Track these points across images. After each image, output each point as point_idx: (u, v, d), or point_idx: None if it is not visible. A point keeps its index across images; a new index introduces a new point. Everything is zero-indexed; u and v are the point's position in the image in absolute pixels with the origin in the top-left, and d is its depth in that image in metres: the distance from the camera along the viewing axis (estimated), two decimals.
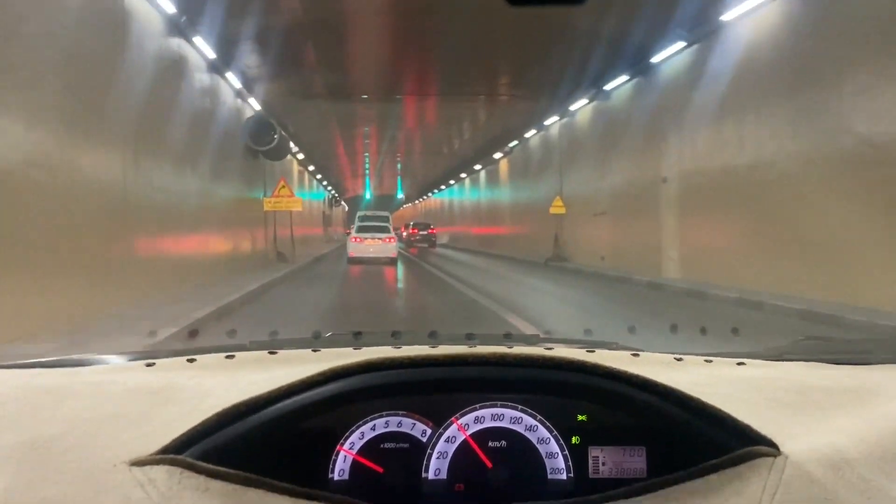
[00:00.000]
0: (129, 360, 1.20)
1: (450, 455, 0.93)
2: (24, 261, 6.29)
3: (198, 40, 12.56)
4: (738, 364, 1.19)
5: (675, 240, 13.63)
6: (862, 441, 0.87)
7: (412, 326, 7.52)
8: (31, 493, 0.76)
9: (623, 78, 15.81)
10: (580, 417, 0.94)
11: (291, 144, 25.95)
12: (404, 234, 37.84)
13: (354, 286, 15.24)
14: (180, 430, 0.83)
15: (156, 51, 10.60)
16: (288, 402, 0.88)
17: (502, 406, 0.94)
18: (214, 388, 0.96)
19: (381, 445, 0.93)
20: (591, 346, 1.29)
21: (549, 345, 1.26)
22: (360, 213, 23.97)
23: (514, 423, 0.94)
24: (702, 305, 10.42)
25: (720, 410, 0.89)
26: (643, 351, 1.25)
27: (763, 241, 10.46)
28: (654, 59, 14.09)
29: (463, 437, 0.93)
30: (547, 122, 22.00)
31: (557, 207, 20.39)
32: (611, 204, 17.02)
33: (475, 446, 0.93)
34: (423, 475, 0.93)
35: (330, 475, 0.91)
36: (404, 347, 1.14)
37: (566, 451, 0.93)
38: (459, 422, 0.94)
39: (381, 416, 0.93)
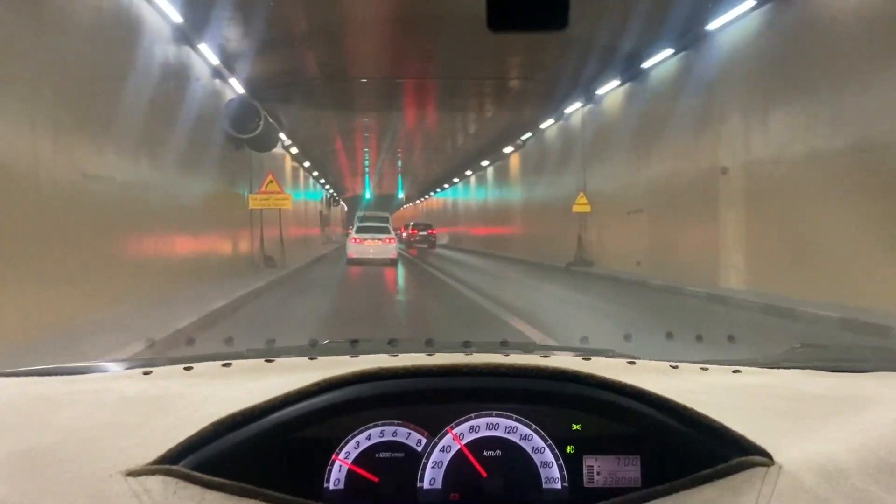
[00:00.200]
0: (127, 368, 1.22)
1: (445, 464, 0.93)
2: None
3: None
4: (734, 372, 1.21)
5: (738, 242, 11.29)
6: (856, 450, 0.86)
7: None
8: (27, 502, 0.76)
9: (666, 52, 13.48)
10: (575, 427, 0.94)
11: (283, 136, 23.63)
12: (404, 234, 37.42)
13: (350, 296, 12.91)
14: (176, 439, 0.83)
15: (93, 3, 8.31)
16: (283, 412, 0.88)
17: (497, 415, 0.94)
18: (211, 397, 0.96)
19: (377, 455, 0.92)
20: (588, 353, 1.30)
21: (546, 353, 1.30)
22: (359, 214, 23.85)
23: (509, 432, 0.94)
24: (810, 330, 7.98)
25: (714, 420, 0.89)
26: (639, 359, 1.26)
27: (877, 239, 8.09)
28: (710, 27, 11.76)
29: (458, 447, 0.93)
30: (568, 110, 19.68)
31: (581, 205, 18.07)
32: (649, 200, 14.70)
33: (470, 456, 0.93)
34: (419, 484, 0.92)
35: (325, 485, 0.91)
36: (401, 356, 1.15)
37: (561, 461, 0.93)
38: (454, 431, 0.93)
39: (377, 426, 0.93)
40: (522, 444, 0.94)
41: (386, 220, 22.68)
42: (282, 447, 0.89)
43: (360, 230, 21.19)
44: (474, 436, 0.94)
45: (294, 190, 28.65)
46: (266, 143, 16.71)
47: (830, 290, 8.66)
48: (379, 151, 37.08)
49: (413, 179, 55.42)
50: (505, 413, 0.94)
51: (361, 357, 1.18)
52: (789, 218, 9.81)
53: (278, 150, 23.98)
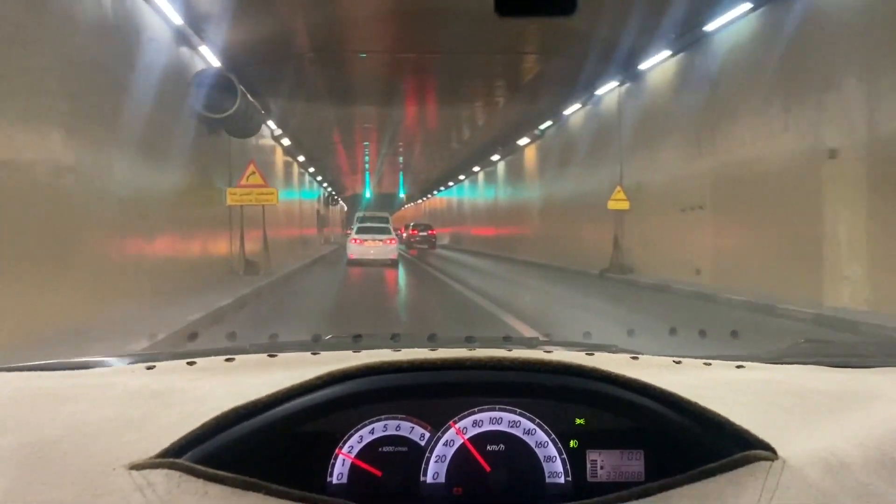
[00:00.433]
0: (130, 363, 1.21)
1: (448, 459, 0.93)
2: None
3: None
4: (737, 367, 1.20)
5: (856, 247, 8.59)
6: (860, 445, 0.87)
7: None
8: (31, 496, 0.76)
9: (742, 7, 10.77)
10: (578, 421, 0.94)
11: (271, 125, 20.94)
12: (404, 234, 37.35)
13: (342, 317, 10.17)
14: (180, 433, 0.83)
15: None
16: (287, 405, 0.88)
17: (501, 410, 0.94)
18: (214, 392, 0.96)
19: (380, 449, 0.92)
20: (591, 349, 1.31)
21: (549, 348, 1.32)
22: (358, 214, 23.83)
23: (512, 426, 0.94)
24: None
25: (718, 414, 0.89)
26: (642, 354, 1.25)
27: None
28: None
29: (461, 441, 0.93)
30: (600, 91, 16.97)
31: (618, 201, 15.37)
32: (713, 194, 12.00)
33: (473, 450, 0.93)
34: (422, 479, 0.92)
35: (328, 479, 0.91)
36: (403, 350, 1.16)
37: (564, 455, 0.93)
38: (458, 425, 0.93)
39: (380, 420, 0.93)
40: (526, 438, 0.94)
41: (386, 220, 22.32)
42: (285, 441, 0.89)
43: (360, 230, 20.84)
44: (478, 430, 0.93)
45: (286, 187, 25.95)
46: (246, 126, 14.03)
47: None
48: (380, 145, 34.33)
49: (415, 177, 52.69)
50: (508, 407, 0.94)
51: (364, 352, 1.18)
52: None
53: (267, 140, 21.27)
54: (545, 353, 1.10)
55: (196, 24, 11.99)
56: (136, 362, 1.20)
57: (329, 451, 0.91)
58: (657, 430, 0.91)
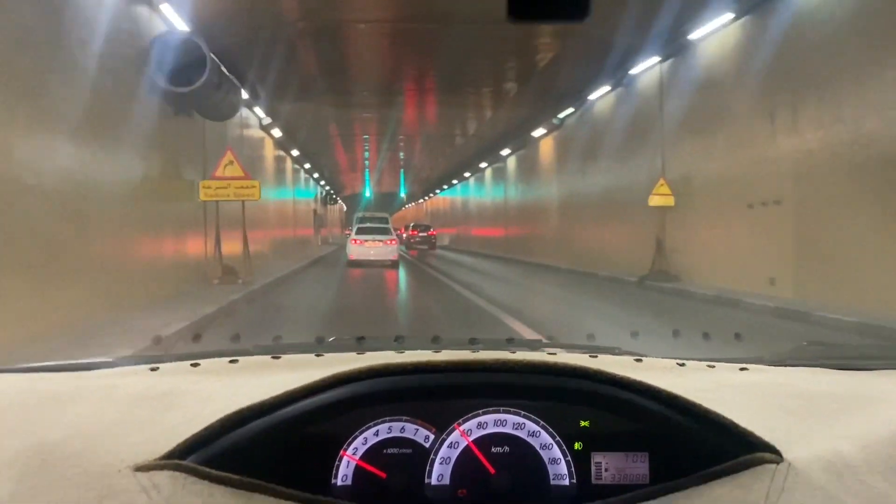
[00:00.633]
0: (134, 365, 1.22)
1: (453, 461, 0.93)
2: None
3: None
4: (741, 369, 1.21)
5: None
6: (865, 447, 0.86)
7: None
8: (36, 498, 0.76)
9: None
10: (583, 423, 0.93)
11: (260, 112, 18.65)
12: (404, 235, 37.22)
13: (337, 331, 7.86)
14: (184, 434, 0.83)
15: None
16: (291, 407, 0.88)
17: (505, 412, 0.94)
18: (218, 393, 0.97)
19: (384, 451, 0.92)
20: (594, 351, 1.30)
21: (553, 350, 1.30)
22: (358, 215, 23.84)
23: (516, 428, 0.94)
24: None
25: (722, 416, 0.89)
26: (646, 356, 1.25)
27: None
28: None
29: (466, 443, 0.93)
30: (636, 70, 14.68)
31: (661, 196, 13.10)
32: (794, 187, 9.71)
33: (478, 452, 0.93)
34: (426, 481, 0.92)
35: (333, 480, 0.91)
36: (407, 353, 1.16)
37: (569, 457, 0.93)
38: (462, 427, 0.93)
39: (385, 422, 0.93)
40: (530, 440, 0.94)
41: (386, 220, 22.22)
42: (290, 443, 0.89)
43: (360, 231, 20.64)
44: (482, 432, 0.93)
45: (279, 183, 23.66)
46: (221, 106, 11.75)
47: None
48: (380, 140, 32.02)
49: (417, 175, 50.42)
50: (513, 409, 0.94)
51: (368, 354, 1.19)
52: None
53: (254, 131, 18.98)
54: (549, 356, 1.13)
55: None
56: (140, 364, 1.21)
57: (334, 452, 0.91)
58: (662, 433, 0.91)
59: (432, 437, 0.93)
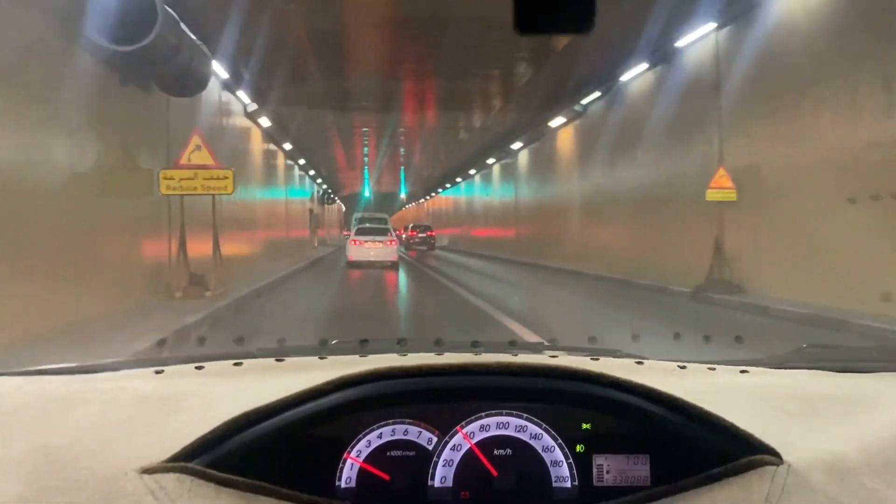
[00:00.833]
0: (139, 368, 1.23)
1: (455, 463, 0.93)
2: None
3: None
4: (741, 372, 1.20)
5: None
6: (864, 449, 0.87)
7: None
8: (43, 500, 0.76)
9: None
10: (585, 426, 0.94)
11: (244, 97, 16.39)
12: (403, 236, 36.83)
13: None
14: (190, 437, 0.83)
15: None
16: (296, 410, 0.89)
17: (507, 414, 0.95)
18: (223, 396, 0.97)
19: (388, 453, 0.93)
20: (596, 354, 1.29)
21: (554, 353, 1.30)
22: (356, 215, 23.94)
23: (519, 431, 0.94)
24: None
25: (723, 419, 0.89)
26: (647, 359, 1.25)
27: None
28: None
29: (468, 446, 0.94)
30: (681, 42, 12.43)
31: (721, 190, 10.87)
32: None
33: (480, 454, 0.93)
34: (429, 483, 0.93)
35: (337, 483, 0.91)
36: (410, 355, 1.16)
37: (571, 460, 0.93)
38: (465, 430, 0.94)
39: (388, 425, 0.93)
40: (532, 442, 0.94)
41: (385, 221, 22.17)
42: (294, 445, 0.89)
43: (359, 232, 20.43)
44: (485, 435, 0.94)
45: (269, 180, 21.39)
46: (184, 77, 9.47)
47: None
48: (380, 134, 29.71)
49: (419, 174, 48.17)
50: (515, 412, 0.95)
51: (371, 356, 1.19)
52: None
53: (239, 119, 16.71)
54: (551, 358, 1.13)
55: None
56: (145, 366, 1.21)
57: (338, 455, 0.92)
58: (663, 435, 0.91)
59: (435, 439, 0.93)
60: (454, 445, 0.93)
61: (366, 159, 38.06)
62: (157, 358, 1.40)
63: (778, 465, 0.85)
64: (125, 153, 9.26)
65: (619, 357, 1.31)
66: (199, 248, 10.30)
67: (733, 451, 0.87)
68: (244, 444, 0.85)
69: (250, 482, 0.81)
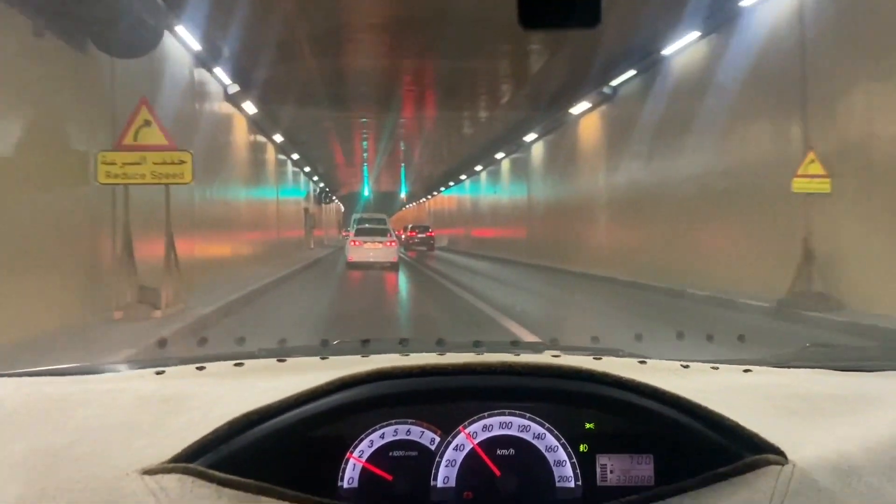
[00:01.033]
0: (140, 369, 1.21)
1: (458, 463, 0.93)
2: None
3: None
4: (745, 371, 1.19)
5: None
6: (869, 449, 0.87)
7: None
8: (43, 502, 0.76)
9: None
10: (588, 425, 0.94)
11: (223, 76, 14.17)
12: (402, 236, 36.16)
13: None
14: (191, 438, 0.83)
15: None
16: (298, 410, 0.88)
17: (510, 414, 0.94)
18: (224, 397, 0.96)
19: (390, 453, 0.93)
20: (598, 353, 1.29)
21: (556, 352, 1.28)
22: (355, 216, 24.04)
23: (522, 431, 0.94)
24: None
25: (727, 418, 0.89)
26: (650, 358, 1.24)
27: None
28: None
29: (471, 446, 0.93)
30: (746, 1, 10.17)
31: (811, 180, 8.65)
32: None
33: (483, 455, 0.93)
34: (432, 483, 0.92)
35: (339, 483, 0.91)
36: (412, 355, 1.15)
37: (574, 459, 0.93)
38: (467, 430, 0.94)
39: (390, 425, 0.93)
40: (536, 442, 0.94)
41: (384, 221, 21.95)
42: (296, 446, 0.89)
43: (358, 232, 20.25)
44: (487, 434, 0.94)
45: (256, 175, 19.15)
46: (127, 30, 7.20)
47: None
48: (380, 128, 27.43)
49: (420, 172, 45.89)
50: (518, 412, 0.94)
51: (373, 357, 1.18)
52: None
53: (218, 102, 14.47)
54: (553, 358, 1.12)
55: None
56: (146, 367, 1.20)
57: (340, 455, 0.92)
58: (666, 435, 0.91)
59: (438, 439, 0.93)
60: (457, 445, 0.93)
61: (364, 154, 35.75)
62: (159, 358, 1.39)
63: (783, 464, 0.84)
64: (52, 131, 7.06)
65: (621, 356, 1.29)
66: (158, 253, 8.08)
67: (738, 450, 0.86)
68: (246, 445, 0.84)
69: (252, 483, 0.80)
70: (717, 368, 1.20)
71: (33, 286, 6.33)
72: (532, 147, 23.88)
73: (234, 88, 14.80)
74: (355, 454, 0.91)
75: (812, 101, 9.01)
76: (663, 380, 0.96)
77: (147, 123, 7.66)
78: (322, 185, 41.49)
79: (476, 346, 1.32)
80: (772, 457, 0.84)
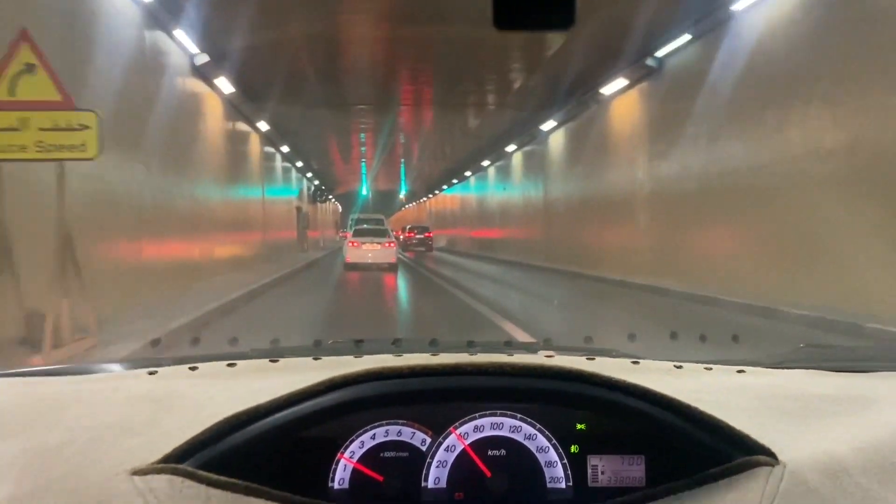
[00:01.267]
0: (132, 369, 1.21)
1: (449, 464, 0.93)
2: None
3: None
4: (738, 371, 1.19)
5: None
6: (860, 450, 0.87)
7: None
8: (33, 501, 0.76)
9: None
10: (579, 426, 0.94)
11: (186, 40, 11.57)
12: (401, 237, 36.06)
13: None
14: (182, 438, 0.83)
15: None
16: (289, 411, 0.88)
17: (502, 415, 0.94)
18: (216, 397, 0.96)
19: (381, 454, 0.92)
20: (592, 353, 1.28)
21: (549, 353, 1.28)
22: (353, 216, 25.16)
23: (513, 431, 0.94)
24: None
25: (718, 419, 0.89)
26: (643, 358, 1.23)
27: None
28: None
29: (462, 447, 0.93)
30: None
31: None
32: None
33: (474, 455, 0.93)
34: (423, 484, 0.92)
35: (330, 484, 0.91)
36: (405, 355, 1.15)
37: (565, 460, 0.93)
38: (458, 431, 0.94)
39: (381, 425, 0.93)
40: (527, 443, 0.94)
41: (382, 222, 22.01)
42: (287, 446, 0.88)
43: (357, 233, 19.97)
44: (479, 435, 0.94)
45: (236, 167, 16.56)
46: None
47: None
48: (380, 120, 24.81)
49: (421, 169, 43.28)
50: (509, 412, 0.94)
51: (366, 357, 1.17)
52: None
53: (182, 76, 11.86)
54: (546, 359, 1.12)
55: None
56: (139, 367, 1.19)
57: (331, 456, 0.91)
58: (658, 435, 0.91)
59: (429, 440, 0.93)
60: (448, 446, 0.93)
61: (363, 148, 33.06)
62: (151, 358, 1.37)
63: (774, 465, 0.84)
64: None
65: (615, 357, 1.29)
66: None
67: (729, 451, 0.86)
68: (236, 446, 0.84)
69: (242, 483, 0.80)
70: (711, 369, 1.19)
71: None
72: (550, 137, 21.23)
73: (202, 59, 12.17)
74: (346, 455, 0.91)
75: None
76: (656, 380, 0.96)
77: (30, 69, 5.07)
78: (317, 182, 38.85)
79: (470, 346, 1.32)
80: (762, 458, 0.85)
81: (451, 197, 45.82)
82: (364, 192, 56.46)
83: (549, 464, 0.92)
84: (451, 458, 0.92)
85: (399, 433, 0.92)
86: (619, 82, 14.65)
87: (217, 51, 12.53)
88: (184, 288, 10.17)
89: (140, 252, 9.10)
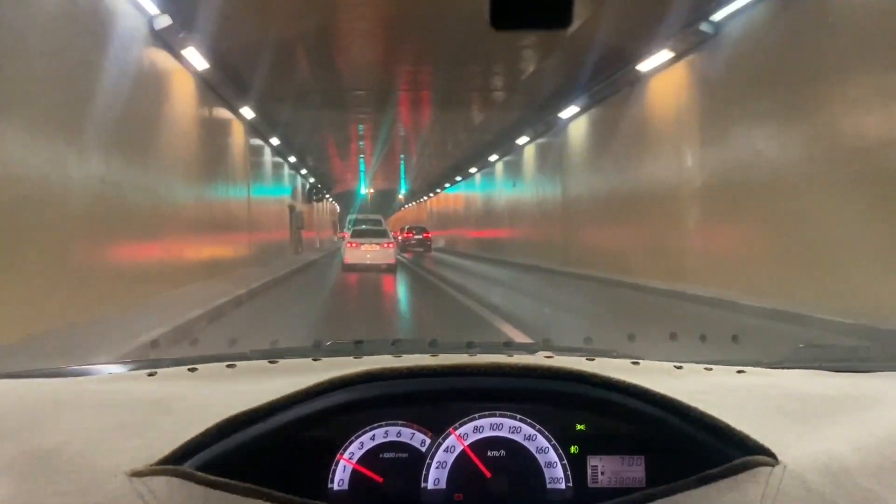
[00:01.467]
0: (131, 370, 1.21)
1: (449, 465, 0.92)
2: None
3: None
4: (738, 372, 1.19)
5: None
6: (860, 450, 0.86)
7: None
8: (33, 502, 0.75)
9: None
10: (579, 427, 0.93)
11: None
12: (399, 237, 36.07)
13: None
14: (181, 440, 0.82)
15: None
16: (288, 412, 0.87)
17: (501, 416, 0.93)
18: (215, 398, 0.95)
19: (381, 455, 0.92)
20: (592, 354, 1.28)
21: (549, 353, 1.27)
22: (352, 217, 26.31)
23: (513, 432, 0.93)
24: None
25: (718, 420, 0.88)
26: (643, 359, 1.23)
27: None
28: None
29: (462, 447, 0.92)
30: None
31: None
32: None
33: (474, 456, 0.92)
34: (423, 485, 0.92)
35: (329, 485, 0.90)
36: (404, 356, 1.14)
37: (565, 461, 0.92)
38: (458, 432, 0.93)
39: (381, 426, 0.92)
40: (526, 444, 0.93)
41: (380, 223, 22.19)
42: (286, 447, 0.87)
43: (355, 234, 19.59)
44: (478, 436, 0.93)
45: (214, 160, 14.35)
46: None
47: None
48: (379, 114, 22.62)
49: (422, 167, 41.14)
50: (509, 413, 0.93)
51: (365, 358, 1.17)
52: None
53: (135, 41, 9.63)
54: (545, 359, 1.10)
55: None
56: (138, 369, 1.19)
57: (330, 457, 0.90)
58: (658, 436, 0.90)
59: (428, 441, 0.92)
60: (447, 447, 0.92)
61: (361, 143, 30.91)
62: (151, 360, 1.36)
63: (773, 465, 0.83)
64: None
65: (614, 357, 1.28)
66: None
67: (729, 452, 0.85)
68: (235, 447, 0.82)
69: (241, 485, 0.79)
70: (711, 369, 1.18)
71: None
72: (570, 126, 19.01)
73: (163, 21, 9.94)
74: (346, 456, 0.90)
75: None
76: (656, 381, 0.95)
77: None
78: (313, 180, 36.67)
79: (469, 347, 1.31)
80: (762, 458, 0.84)
81: (453, 196, 43.62)
82: (362, 191, 54.67)
83: (549, 464, 0.92)
84: (451, 458, 0.92)
85: (399, 434, 0.92)
86: (662, 55, 12.42)
87: (184, 12, 10.33)
88: (128, 303, 7.99)
89: (64, 256, 6.92)
